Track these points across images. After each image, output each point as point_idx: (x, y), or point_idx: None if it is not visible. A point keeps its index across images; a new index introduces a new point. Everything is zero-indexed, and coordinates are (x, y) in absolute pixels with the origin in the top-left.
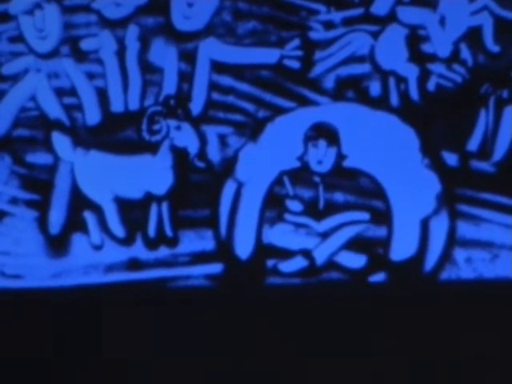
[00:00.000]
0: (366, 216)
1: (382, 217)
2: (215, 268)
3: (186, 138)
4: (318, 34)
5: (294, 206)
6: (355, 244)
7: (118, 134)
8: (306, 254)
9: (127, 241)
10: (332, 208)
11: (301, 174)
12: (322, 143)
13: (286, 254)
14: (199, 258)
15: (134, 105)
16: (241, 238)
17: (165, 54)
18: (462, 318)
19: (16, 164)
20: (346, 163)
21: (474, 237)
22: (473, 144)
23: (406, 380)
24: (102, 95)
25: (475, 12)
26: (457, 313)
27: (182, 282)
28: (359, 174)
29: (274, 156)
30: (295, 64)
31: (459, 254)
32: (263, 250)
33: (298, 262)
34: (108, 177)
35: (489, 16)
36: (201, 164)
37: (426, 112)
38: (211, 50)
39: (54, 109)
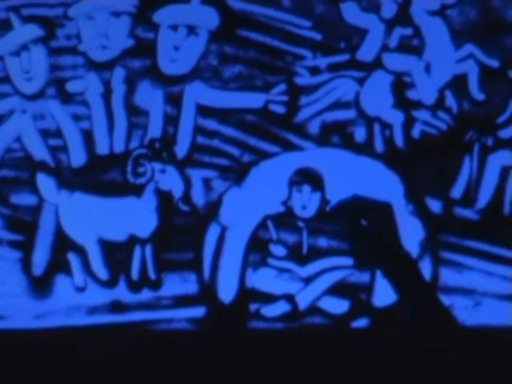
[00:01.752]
0: (349, 261)
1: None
2: (198, 311)
3: (170, 181)
4: (303, 79)
5: (278, 250)
6: (338, 289)
7: (102, 175)
8: (289, 298)
9: (110, 283)
10: (316, 253)
11: (285, 219)
12: (307, 188)
13: (269, 298)
14: (182, 300)
15: (119, 147)
16: (224, 282)
17: (151, 97)
18: (444, 364)
19: (0, 204)
20: (330, 208)
21: (457, 284)
22: (457, 191)
23: None
24: (88, 137)
25: (461, 60)
26: (440, 360)
27: (165, 325)
28: (343, 219)
29: (258, 200)
30: (280, 109)
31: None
32: (246, 294)
33: (281, 307)
34: (92, 219)
35: (474, 64)
36: (185, 207)
37: (410, 158)
38: (197, 93)
39: (39, 150)
